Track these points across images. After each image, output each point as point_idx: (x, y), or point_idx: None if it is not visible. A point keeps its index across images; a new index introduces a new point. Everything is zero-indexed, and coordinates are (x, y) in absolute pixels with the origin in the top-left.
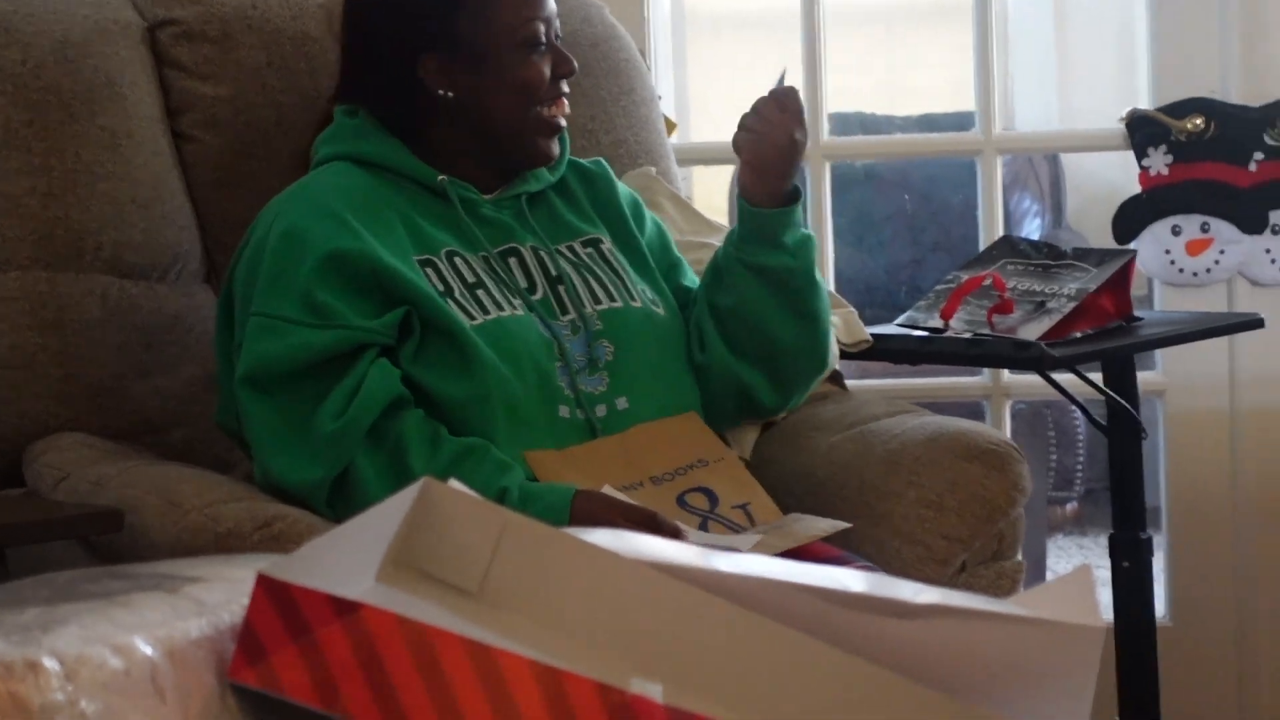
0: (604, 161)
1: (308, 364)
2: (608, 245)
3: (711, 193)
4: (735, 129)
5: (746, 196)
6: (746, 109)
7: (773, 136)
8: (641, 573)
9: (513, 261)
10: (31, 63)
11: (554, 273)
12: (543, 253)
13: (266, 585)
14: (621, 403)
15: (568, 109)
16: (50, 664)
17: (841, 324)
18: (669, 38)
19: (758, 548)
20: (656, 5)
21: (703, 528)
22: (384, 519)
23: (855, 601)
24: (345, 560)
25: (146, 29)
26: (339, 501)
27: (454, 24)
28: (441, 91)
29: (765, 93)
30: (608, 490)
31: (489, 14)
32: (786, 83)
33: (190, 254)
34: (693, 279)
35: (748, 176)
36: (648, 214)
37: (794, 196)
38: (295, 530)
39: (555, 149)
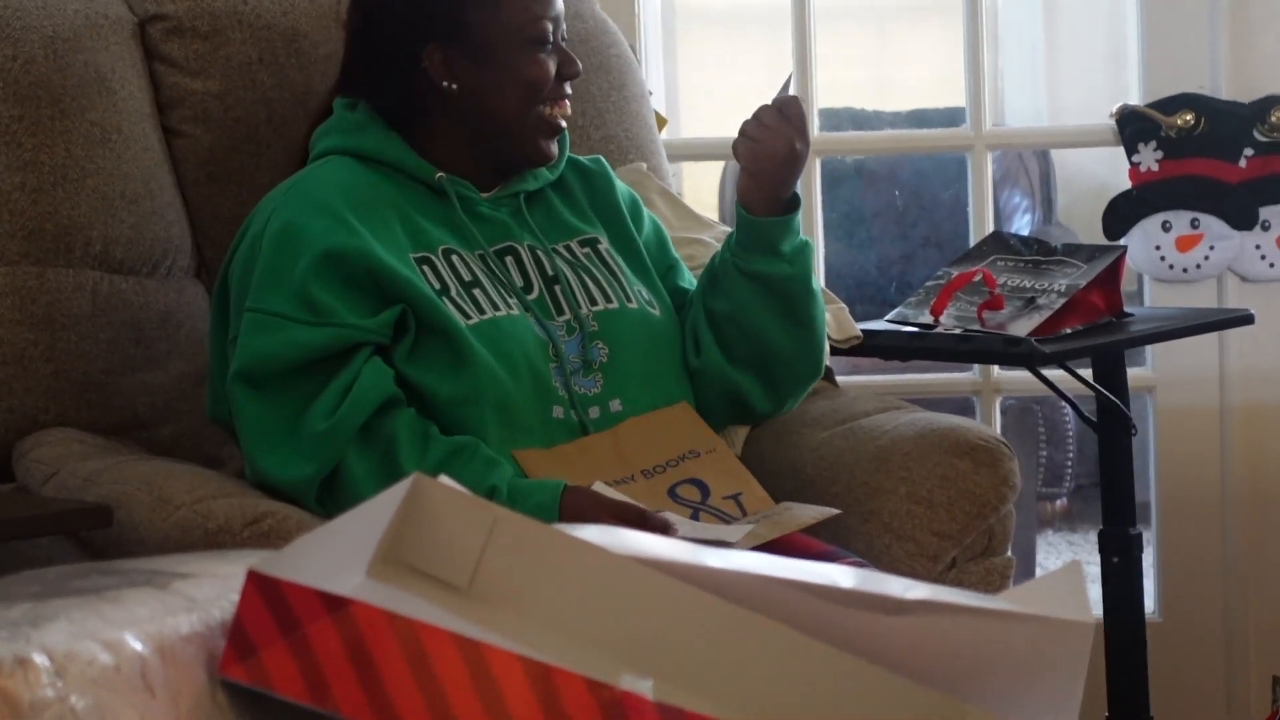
0: (603, 160)
1: (301, 362)
2: (605, 245)
3: (701, 188)
4: (736, 133)
5: (745, 204)
6: (737, 104)
7: (773, 145)
8: (631, 569)
9: (509, 260)
10: (21, 58)
11: (550, 272)
12: (540, 252)
13: (257, 581)
14: (615, 405)
15: (569, 110)
16: (40, 660)
17: (832, 320)
18: (660, 32)
19: (748, 538)
20: (647, 0)
21: (694, 519)
22: (374, 515)
23: (845, 597)
24: (335, 556)
25: (137, 24)
26: (329, 499)
27: (463, 15)
28: (445, 83)
29: (768, 99)
30: (598, 487)
31: (499, 8)
32: (791, 91)
33: (180, 249)
34: (690, 280)
35: (746, 184)
36: (646, 213)
37: (793, 204)
38: (285, 527)
39: (554, 149)
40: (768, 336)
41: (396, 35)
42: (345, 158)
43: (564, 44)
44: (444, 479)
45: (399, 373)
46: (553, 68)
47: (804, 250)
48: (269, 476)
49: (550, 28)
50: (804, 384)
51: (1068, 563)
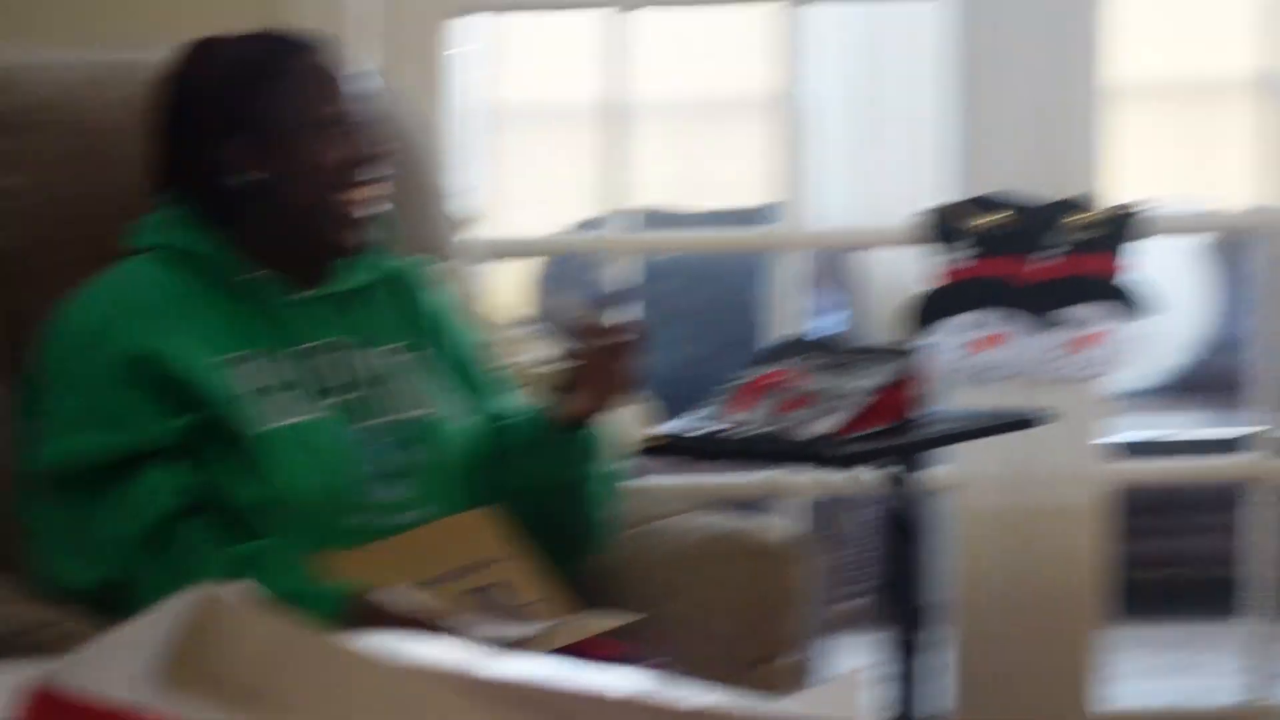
0: (422, 263)
1: (93, 466)
2: (420, 352)
3: (504, 287)
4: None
5: (549, 412)
6: (550, 200)
7: (600, 387)
8: (416, 680)
9: (323, 361)
10: None
11: (365, 375)
12: (355, 354)
13: (35, 696)
14: (423, 511)
15: (370, 198)
16: None
17: (634, 419)
18: (467, 130)
19: (544, 642)
20: (457, 96)
21: (492, 623)
22: (159, 623)
23: (630, 706)
24: (118, 666)
25: None
26: (119, 607)
27: (252, 105)
28: (243, 175)
29: (588, 304)
30: (396, 591)
31: (285, 94)
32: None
33: None
34: (503, 396)
35: (561, 400)
36: (462, 321)
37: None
38: (64, 636)
39: (353, 240)
40: (553, 518)
41: (191, 130)
42: (158, 256)
43: (362, 129)
44: (235, 585)
45: (198, 478)
46: (342, 153)
47: (599, 447)
48: (58, 581)
49: (338, 112)
50: (582, 556)
51: (849, 669)
